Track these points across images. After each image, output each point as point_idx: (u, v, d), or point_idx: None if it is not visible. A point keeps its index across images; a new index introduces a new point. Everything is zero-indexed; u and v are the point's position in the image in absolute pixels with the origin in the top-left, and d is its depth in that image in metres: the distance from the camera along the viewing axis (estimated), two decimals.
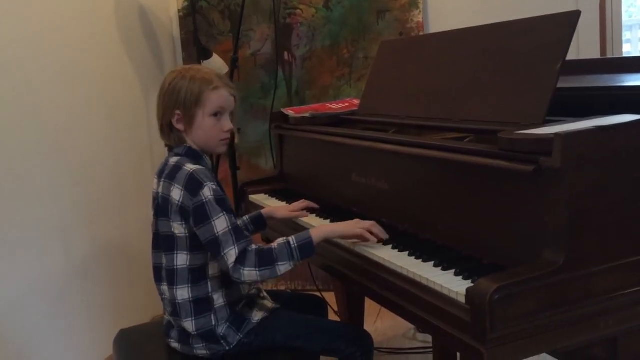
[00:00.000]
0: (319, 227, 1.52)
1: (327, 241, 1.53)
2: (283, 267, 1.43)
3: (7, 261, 2.07)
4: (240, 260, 1.41)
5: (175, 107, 1.51)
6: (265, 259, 1.42)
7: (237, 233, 1.43)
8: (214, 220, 1.42)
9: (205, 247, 1.46)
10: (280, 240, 1.45)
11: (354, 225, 1.49)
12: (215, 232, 1.42)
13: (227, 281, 1.53)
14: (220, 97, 1.52)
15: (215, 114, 1.52)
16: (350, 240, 1.51)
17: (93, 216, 2.52)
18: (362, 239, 1.48)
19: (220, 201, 1.44)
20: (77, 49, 2.47)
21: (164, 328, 1.61)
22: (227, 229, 1.42)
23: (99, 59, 2.63)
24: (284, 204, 1.98)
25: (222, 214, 1.43)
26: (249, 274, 1.41)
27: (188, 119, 1.51)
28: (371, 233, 1.47)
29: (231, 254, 1.41)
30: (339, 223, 1.55)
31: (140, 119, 2.91)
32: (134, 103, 2.89)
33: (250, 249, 1.43)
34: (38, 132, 2.24)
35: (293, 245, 1.43)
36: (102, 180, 2.60)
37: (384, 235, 1.48)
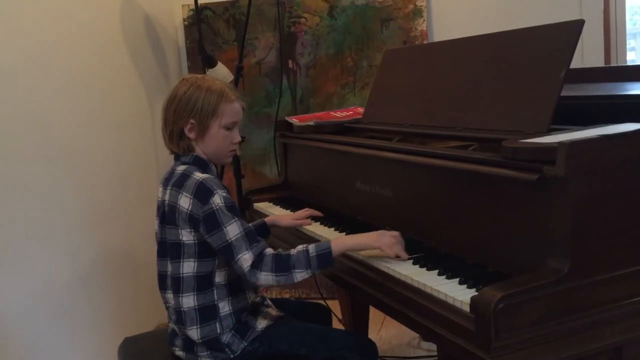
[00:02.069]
0: (341, 239, 1.49)
1: None
2: (300, 275, 1.43)
3: (12, 269, 2.08)
4: (257, 264, 1.42)
5: (190, 116, 1.51)
6: (282, 265, 1.42)
7: (250, 237, 1.44)
8: (225, 227, 1.43)
9: (219, 254, 1.47)
10: (300, 247, 1.45)
11: (376, 240, 1.44)
12: (228, 238, 1.43)
13: (233, 289, 1.54)
14: (235, 110, 1.55)
15: (229, 126, 1.54)
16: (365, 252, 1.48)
17: (98, 224, 2.53)
18: (383, 253, 1.44)
19: (232, 208, 1.46)
20: (83, 58, 2.49)
21: (168, 336, 1.61)
22: (240, 234, 1.43)
23: (105, 68, 2.64)
24: (288, 212, 1.99)
25: (234, 220, 1.44)
26: (266, 278, 1.42)
27: (202, 129, 1.52)
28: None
29: (245, 258, 1.42)
30: (362, 235, 1.49)
31: (146, 127, 2.92)
32: (140, 111, 2.90)
33: (267, 253, 1.44)
34: (44, 141, 2.25)
35: (311, 254, 1.43)
36: (107, 188, 2.61)
37: (404, 257, 1.42)
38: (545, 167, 1.11)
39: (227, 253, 1.44)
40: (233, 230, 1.43)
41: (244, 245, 1.43)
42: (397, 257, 1.42)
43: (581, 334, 1.11)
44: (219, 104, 1.52)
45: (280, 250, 1.47)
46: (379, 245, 1.43)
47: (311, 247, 1.44)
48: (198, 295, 1.50)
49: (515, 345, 1.05)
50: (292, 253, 1.44)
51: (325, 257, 1.44)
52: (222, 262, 1.52)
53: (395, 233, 1.46)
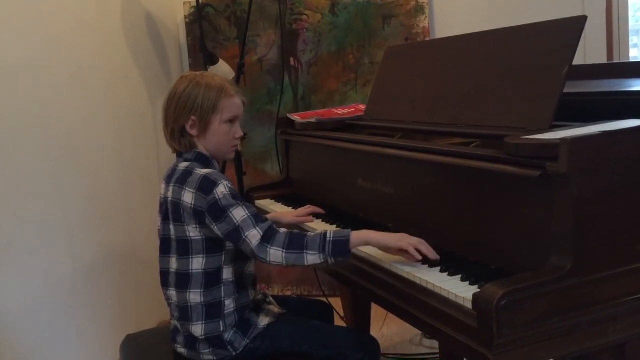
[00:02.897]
0: (362, 231, 1.43)
1: None
2: (311, 257, 1.39)
3: (14, 267, 2.08)
4: (267, 238, 1.41)
5: (191, 113, 1.52)
6: (295, 243, 1.40)
7: (256, 217, 1.44)
8: (231, 212, 1.42)
9: (226, 240, 1.46)
10: (319, 230, 1.44)
11: (398, 240, 1.37)
12: (235, 222, 1.42)
13: (239, 286, 1.54)
14: (235, 104, 1.56)
15: (230, 121, 1.55)
16: (392, 256, 1.39)
17: (100, 222, 2.53)
18: (407, 255, 1.35)
19: (236, 196, 1.46)
20: (84, 56, 2.48)
21: (170, 333, 1.61)
22: (246, 216, 1.43)
23: (107, 66, 2.64)
24: (290, 209, 1.99)
25: (238, 205, 1.44)
26: (275, 253, 1.40)
27: (203, 125, 1.53)
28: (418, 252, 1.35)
29: (253, 234, 1.41)
30: (384, 233, 1.42)
31: (147, 124, 2.92)
32: (141, 109, 2.90)
33: (280, 230, 1.43)
34: (46, 138, 2.25)
35: (328, 239, 1.39)
36: (109, 186, 2.61)
37: (434, 255, 1.35)
38: (547, 163, 1.11)
39: (235, 236, 1.43)
40: (239, 213, 1.43)
41: (251, 223, 1.42)
42: (422, 258, 1.35)
43: (584, 330, 1.11)
44: (219, 99, 1.52)
45: (295, 230, 1.46)
46: (401, 246, 1.36)
47: (329, 232, 1.41)
48: (206, 291, 1.50)
49: (518, 342, 1.05)
50: (308, 233, 1.42)
51: (342, 244, 1.39)
52: (229, 258, 1.52)
53: (419, 239, 1.38)
